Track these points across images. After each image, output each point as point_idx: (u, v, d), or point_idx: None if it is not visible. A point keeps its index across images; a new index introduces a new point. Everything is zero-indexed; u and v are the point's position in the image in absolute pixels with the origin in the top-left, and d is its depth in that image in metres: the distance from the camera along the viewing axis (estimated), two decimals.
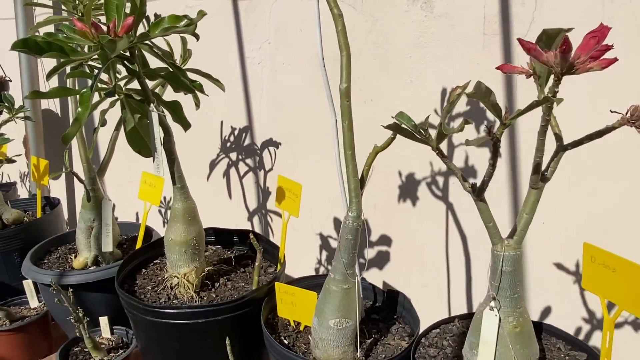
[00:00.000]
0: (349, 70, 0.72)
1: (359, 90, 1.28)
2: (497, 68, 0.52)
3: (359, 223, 0.74)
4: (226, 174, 1.66)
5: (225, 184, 1.67)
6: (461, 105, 1.03)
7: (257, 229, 1.65)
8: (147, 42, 0.81)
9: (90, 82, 0.88)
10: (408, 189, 1.19)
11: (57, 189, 2.07)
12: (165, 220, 1.79)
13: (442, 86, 1.07)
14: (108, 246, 1.14)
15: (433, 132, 0.57)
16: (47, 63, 1.97)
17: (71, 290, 0.96)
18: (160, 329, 0.87)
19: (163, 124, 0.87)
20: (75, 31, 0.76)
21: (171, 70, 0.86)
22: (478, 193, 0.58)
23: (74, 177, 1.11)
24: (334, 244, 1.34)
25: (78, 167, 1.20)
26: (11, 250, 1.24)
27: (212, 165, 1.68)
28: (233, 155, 1.65)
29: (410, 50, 1.12)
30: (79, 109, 0.79)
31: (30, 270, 1.09)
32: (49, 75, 0.97)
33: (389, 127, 0.58)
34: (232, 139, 1.62)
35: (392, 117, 0.62)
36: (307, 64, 1.28)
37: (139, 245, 1.16)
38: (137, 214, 1.94)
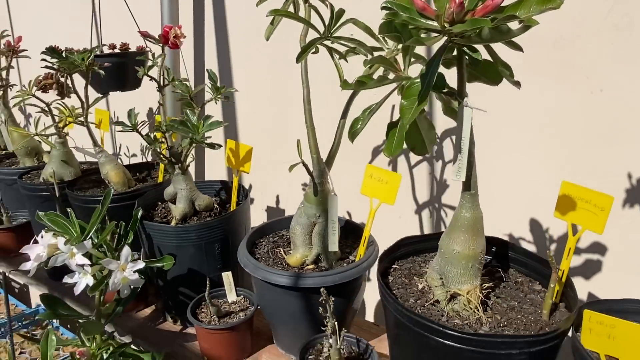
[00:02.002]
0: None
1: (585, 78, 1.14)
2: None
3: None
4: (392, 161, 1.54)
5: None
6: None
7: (426, 225, 1.54)
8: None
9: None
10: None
11: (213, 172, 2.00)
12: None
13: None
14: (334, 245, 1.04)
15: None
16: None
17: (332, 299, 0.87)
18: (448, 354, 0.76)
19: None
20: (415, 11, 0.64)
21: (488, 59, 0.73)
22: None
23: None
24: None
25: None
26: (214, 241, 1.16)
27: (376, 151, 1.56)
28: None
29: None
30: (404, 102, 0.68)
31: (259, 269, 1.00)
32: (299, 57, 0.87)
33: None
34: None
35: None
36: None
37: (362, 249, 1.06)
38: (277, 197, 1.86)
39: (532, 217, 1.22)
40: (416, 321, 0.78)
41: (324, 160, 1.04)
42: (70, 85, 1.38)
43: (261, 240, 1.19)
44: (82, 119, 1.50)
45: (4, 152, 2.00)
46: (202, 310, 1.15)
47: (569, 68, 1.13)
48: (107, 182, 1.44)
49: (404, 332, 0.83)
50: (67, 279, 1.01)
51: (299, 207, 1.08)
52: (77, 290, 1.00)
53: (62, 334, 2.42)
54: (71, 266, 0.99)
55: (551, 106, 1.15)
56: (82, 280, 1.00)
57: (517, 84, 0.75)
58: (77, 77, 1.55)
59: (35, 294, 3.12)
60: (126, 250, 1.02)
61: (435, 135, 0.87)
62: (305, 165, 1.00)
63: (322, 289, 0.86)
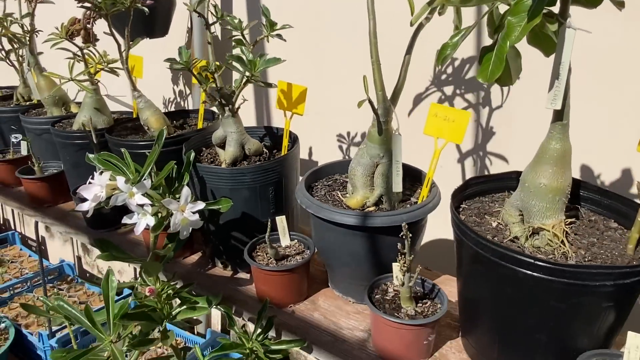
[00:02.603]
0: None
1: None
2: None
3: None
4: None
5: None
6: None
7: (469, 174, 1.51)
8: None
9: None
10: None
11: (246, 115, 1.93)
12: None
13: None
14: (398, 186, 1.02)
15: None
16: None
17: (410, 236, 0.85)
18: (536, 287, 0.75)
19: None
20: None
21: None
22: None
23: None
24: None
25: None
26: (268, 184, 1.13)
27: (418, 99, 1.52)
28: (448, 89, 1.48)
29: None
30: (511, 19, 0.63)
31: (323, 209, 0.98)
32: None
33: None
34: (449, 70, 1.45)
35: None
36: None
37: (425, 190, 1.04)
38: (309, 149, 1.82)
39: (601, 156, 1.19)
40: (502, 254, 0.76)
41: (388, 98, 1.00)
42: (109, 26, 1.31)
43: (315, 184, 1.16)
44: (118, 63, 1.45)
45: (27, 102, 1.95)
46: (258, 253, 1.13)
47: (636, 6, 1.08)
48: (146, 128, 1.40)
49: (483, 267, 0.81)
50: (126, 220, 0.99)
51: (360, 147, 1.05)
52: (137, 230, 0.98)
53: (87, 288, 2.43)
54: (131, 206, 0.97)
55: (616, 44, 1.11)
56: (142, 221, 0.98)
57: (621, 4, 0.71)
58: (102, 23, 1.49)
59: (54, 251, 3.12)
60: (186, 191, 0.99)
61: (521, 65, 0.83)
62: (370, 102, 0.97)
63: (404, 224, 0.84)
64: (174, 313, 0.98)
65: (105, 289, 0.97)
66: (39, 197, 1.65)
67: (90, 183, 0.97)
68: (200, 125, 1.45)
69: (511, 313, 0.81)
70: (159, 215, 1.00)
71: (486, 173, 1.48)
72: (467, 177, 1.51)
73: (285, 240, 1.17)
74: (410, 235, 0.97)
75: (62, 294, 2.36)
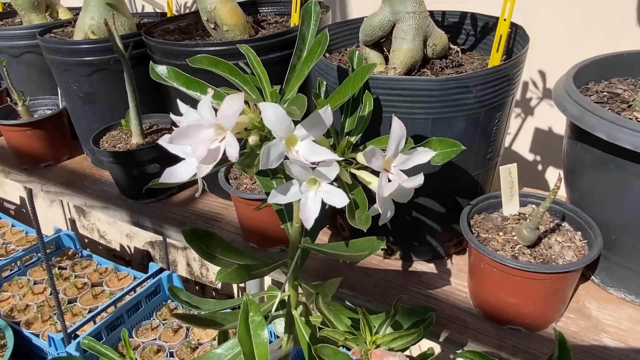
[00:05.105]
0: None
1: None
2: None
3: None
4: None
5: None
6: None
7: None
8: None
9: None
10: None
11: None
12: None
13: None
14: None
15: None
16: None
17: None
18: None
19: None
20: None
21: None
22: None
23: None
24: None
25: None
26: (495, 108, 0.60)
27: None
28: None
29: None
30: None
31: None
32: None
33: None
34: None
35: None
36: None
37: None
38: None
39: None
40: None
41: None
42: None
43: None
44: None
45: None
46: (481, 234, 0.62)
47: None
48: (212, 25, 0.83)
49: None
50: (277, 197, 0.46)
51: None
52: (309, 218, 0.45)
53: (98, 264, 1.89)
54: (290, 167, 0.43)
55: None
56: (312, 195, 0.46)
57: None
58: None
59: (39, 215, 2.54)
60: (399, 129, 0.46)
61: None
62: None
63: None
64: None
65: (246, 346, 0.45)
66: (30, 152, 1.07)
67: (188, 125, 0.43)
68: (295, 21, 0.88)
69: None
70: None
71: None
72: None
73: (511, 207, 0.66)
74: None
75: (66, 274, 1.83)
